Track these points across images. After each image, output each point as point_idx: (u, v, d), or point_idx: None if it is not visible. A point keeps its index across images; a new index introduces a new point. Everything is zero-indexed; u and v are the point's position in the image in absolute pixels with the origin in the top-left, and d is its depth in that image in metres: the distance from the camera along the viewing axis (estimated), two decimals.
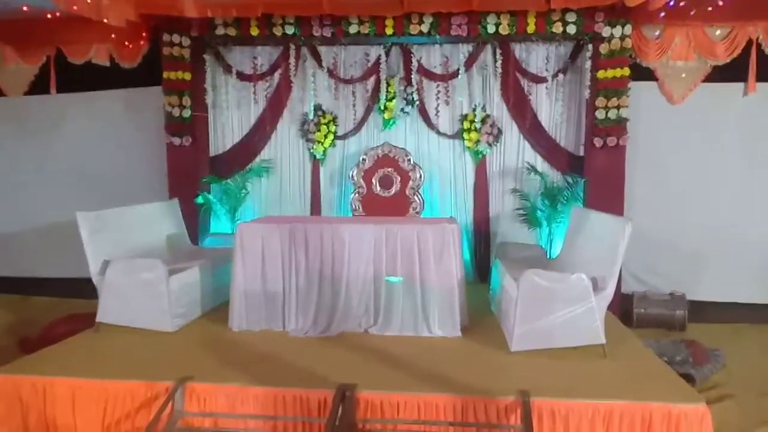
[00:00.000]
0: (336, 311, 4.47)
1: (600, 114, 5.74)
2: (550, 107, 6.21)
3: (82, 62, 6.64)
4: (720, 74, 5.90)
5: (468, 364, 3.81)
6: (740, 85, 5.92)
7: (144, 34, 6.46)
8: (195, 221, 6.23)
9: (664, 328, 5.84)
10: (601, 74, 5.71)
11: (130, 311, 4.43)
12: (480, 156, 6.30)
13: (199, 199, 6.26)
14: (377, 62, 6.17)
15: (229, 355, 3.96)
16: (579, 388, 3.37)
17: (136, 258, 4.56)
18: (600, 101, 5.72)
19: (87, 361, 3.85)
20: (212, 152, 6.62)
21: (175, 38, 6.10)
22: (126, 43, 6.55)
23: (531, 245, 5.99)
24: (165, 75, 6.14)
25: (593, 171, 5.90)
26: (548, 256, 5.86)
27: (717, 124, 6.01)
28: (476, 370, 3.68)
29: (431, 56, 6.24)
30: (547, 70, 6.11)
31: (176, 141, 6.23)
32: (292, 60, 6.24)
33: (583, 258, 4.57)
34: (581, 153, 6.14)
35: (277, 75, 6.40)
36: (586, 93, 5.88)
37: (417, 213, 6.17)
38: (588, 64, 5.84)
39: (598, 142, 5.79)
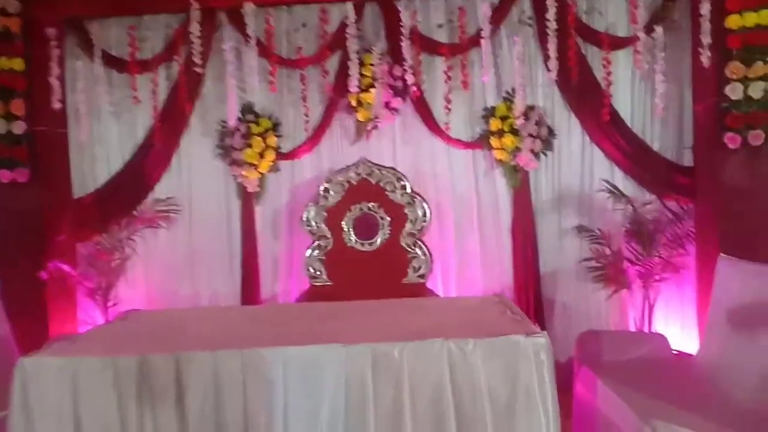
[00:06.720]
0: None
1: (735, 91, 3.48)
2: (636, 89, 4.09)
3: None
4: None
5: None
6: None
7: None
8: (40, 311, 3.91)
9: None
10: (732, 21, 3.44)
11: None
12: (520, 175, 4.17)
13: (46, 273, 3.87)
14: (342, 29, 3.95)
15: None
16: None
17: None
18: (734, 69, 3.45)
19: None
20: (76, 192, 4.32)
21: None
22: None
23: (639, 335, 3.69)
24: None
25: (721, 190, 3.63)
26: (673, 349, 3.39)
27: None
28: None
29: (432, 13, 4.14)
30: (631, 25, 3.91)
31: (4, 175, 3.91)
32: (195, 31, 3.89)
33: None
34: (688, 162, 4.02)
35: (175, 59, 4.15)
36: (706, 58, 3.58)
37: (421, 278, 3.88)
38: (706, 7, 3.55)
39: (732, 140, 3.51)
